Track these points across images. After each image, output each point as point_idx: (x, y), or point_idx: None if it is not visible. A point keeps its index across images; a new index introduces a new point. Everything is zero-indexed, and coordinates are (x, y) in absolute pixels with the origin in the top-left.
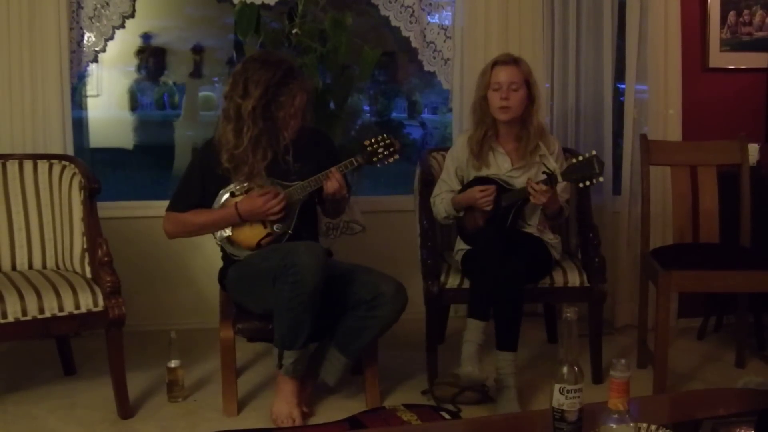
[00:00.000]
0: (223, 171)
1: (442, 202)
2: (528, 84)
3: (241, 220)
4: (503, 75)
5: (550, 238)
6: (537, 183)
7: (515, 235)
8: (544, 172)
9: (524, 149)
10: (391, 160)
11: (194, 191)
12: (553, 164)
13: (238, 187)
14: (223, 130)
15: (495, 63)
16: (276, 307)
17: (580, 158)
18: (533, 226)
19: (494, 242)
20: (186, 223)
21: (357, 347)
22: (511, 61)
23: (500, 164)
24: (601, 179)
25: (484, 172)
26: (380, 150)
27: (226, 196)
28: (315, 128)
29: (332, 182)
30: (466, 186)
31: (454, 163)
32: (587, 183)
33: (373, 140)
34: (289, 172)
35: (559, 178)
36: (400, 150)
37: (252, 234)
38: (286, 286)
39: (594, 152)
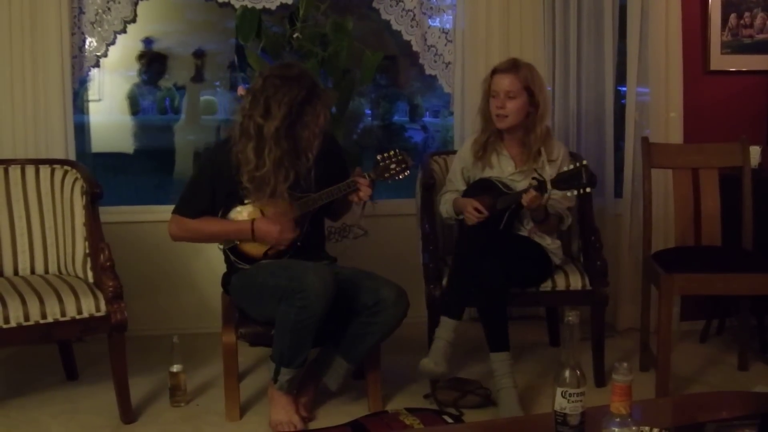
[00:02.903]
0: (243, 189)
1: (445, 203)
2: (530, 91)
3: (252, 239)
4: (500, 83)
5: (548, 243)
6: (527, 189)
7: (510, 238)
8: (534, 178)
9: (528, 154)
10: (401, 176)
11: (203, 197)
12: (547, 172)
13: (248, 201)
14: (243, 147)
15: (494, 71)
16: (279, 325)
17: (571, 167)
18: (526, 229)
19: (474, 242)
20: (195, 230)
21: (359, 353)
22: (509, 68)
23: (503, 167)
24: (588, 190)
25: (488, 174)
26: (392, 166)
27: (238, 208)
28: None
29: (365, 191)
30: (471, 187)
31: (460, 164)
32: (575, 193)
33: (385, 155)
34: (306, 181)
35: (548, 186)
36: (412, 166)
37: (260, 244)
38: (293, 309)
39: (584, 162)
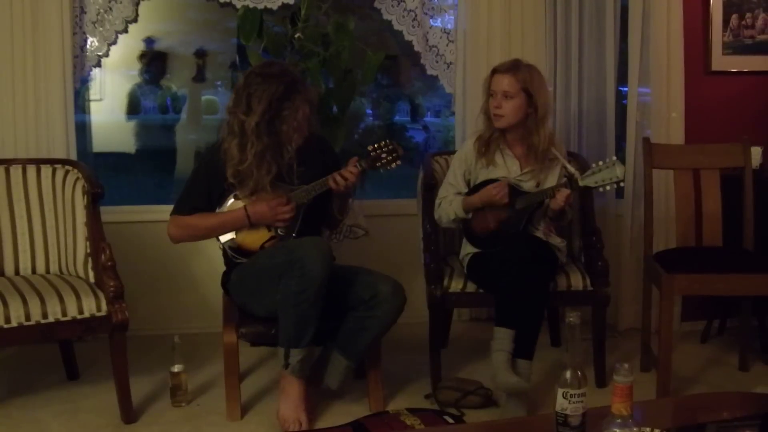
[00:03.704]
0: (228, 185)
1: (450, 204)
2: (528, 92)
3: (249, 224)
4: (498, 83)
5: (558, 242)
6: (557, 187)
7: (527, 240)
8: (565, 176)
9: (534, 155)
10: (393, 165)
11: (200, 195)
12: (571, 168)
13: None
14: (229, 144)
15: (494, 70)
16: (282, 303)
17: (600, 163)
18: (540, 229)
19: (519, 248)
20: (193, 226)
21: (358, 349)
22: (508, 69)
23: (509, 167)
24: (622, 184)
25: (493, 174)
26: (383, 156)
27: (231, 200)
28: (318, 135)
29: (350, 175)
30: (474, 188)
31: (461, 166)
32: (607, 188)
33: (376, 146)
34: (293, 177)
35: (580, 182)
36: (403, 155)
37: (256, 237)
38: (293, 281)
39: (615, 157)
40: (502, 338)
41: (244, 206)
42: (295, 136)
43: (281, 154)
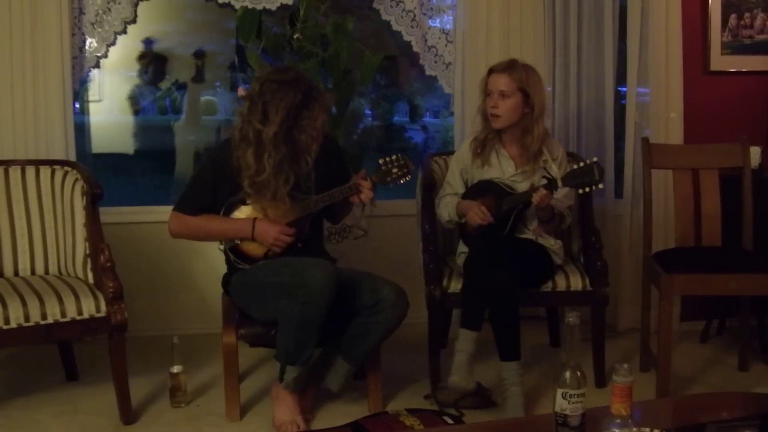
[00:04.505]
0: (236, 189)
1: (446, 206)
2: (524, 92)
3: (251, 239)
4: (494, 83)
5: (551, 243)
6: (537, 188)
7: (514, 241)
8: (544, 177)
9: (528, 155)
10: (403, 181)
11: (205, 194)
12: (555, 170)
13: (250, 201)
14: (243, 152)
15: (491, 70)
16: (283, 322)
17: (581, 164)
18: (531, 230)
19: (486, 250)
20: (196, 227)
21: (360, 353)
22: (504, 68)
23: (504, 168)
24: (600, 186)
25: (488, 174)
26: (394, 170)
27: (242, 207)
28: (324, 135)
29: (366, 194)
30: (471, 188)
31: (458, 166)
32: (587, 189)
33: (387, 159)
34: (311, 185)
35: (559, 184)
36: (413, 171)
37: (260, 245)
38: (297, 305)
39: (595, 159)
40: (464, 339)
41: (253, 220)
42: (314, 146)
43: (299, 164)
